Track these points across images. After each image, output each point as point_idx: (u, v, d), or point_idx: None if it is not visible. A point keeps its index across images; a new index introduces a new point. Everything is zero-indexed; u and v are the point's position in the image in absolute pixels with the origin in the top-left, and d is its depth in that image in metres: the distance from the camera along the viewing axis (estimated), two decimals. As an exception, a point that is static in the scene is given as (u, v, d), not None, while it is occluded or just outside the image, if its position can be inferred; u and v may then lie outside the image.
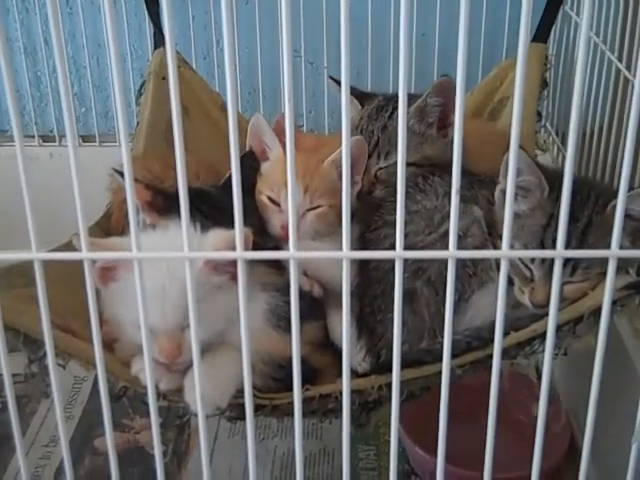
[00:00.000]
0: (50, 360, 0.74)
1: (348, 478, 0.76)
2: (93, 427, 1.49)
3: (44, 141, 1.87)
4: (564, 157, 1.60)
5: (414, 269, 1.00)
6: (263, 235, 1.11)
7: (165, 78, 1.48)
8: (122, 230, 1.16)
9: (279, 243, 1.12)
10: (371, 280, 1.03)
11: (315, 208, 1.12)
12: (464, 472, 1.24)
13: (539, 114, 1.48)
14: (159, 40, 1.54)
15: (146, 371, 0.77)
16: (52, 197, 1.41)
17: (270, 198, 1.13)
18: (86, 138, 1.84)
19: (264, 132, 1.18)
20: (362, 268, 1.05)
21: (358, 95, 1.28)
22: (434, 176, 1.05)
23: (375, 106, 1.23)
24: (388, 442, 1.47)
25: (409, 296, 0.99)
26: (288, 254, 0.68)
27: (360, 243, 1.06)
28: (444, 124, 1.17)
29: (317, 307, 1.09)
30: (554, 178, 0.93)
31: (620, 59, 1.35)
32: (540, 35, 1.51)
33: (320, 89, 1.79)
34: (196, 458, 1.43)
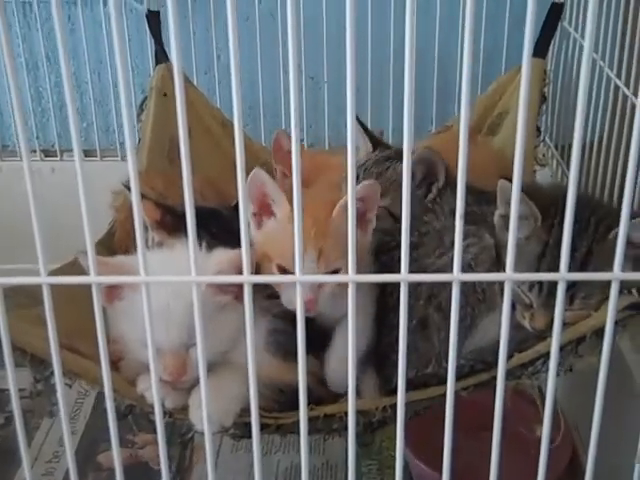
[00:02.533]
0: (58, 383, 0.75)
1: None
2: (96, 443, 1.50)
3: (46, 156, 1.88)
4: (563, 171, 1.61)
5: (427, 295, 1.01)
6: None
7: (167, 95, 1.49)
8: (126, 248, 1.17)
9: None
10: (387, 307, 1.03)
11: (332, 273, 1.00)
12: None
13: (538, 129, 1.49)
14: (160, 56, 1.55)
15: (153, 389, 0.78)
16: (54, 212, 1.42)
17: (281, 267, 1.01)
18: (87, 153, 1.84)
19: (268, 186, 1.03)
20: (379, 296, 1.05)
21: (373, 138, 1.31)
22: (441, 194, 1.06)
23: (386, 155, 1.25)
24: (391, 457, 1.49)
25: (422, 323, 1.01)
26: (295, 278, 0.69)
27: (375, 268, 1.06)
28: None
29: (318, 341, 1.06)
30: (549, 204, 0.93)
31: (619, 76, 1.36)
32: (539, 50, 1.52)
33: (320, 103, 1.80)
34: (199, 473, 1.44)
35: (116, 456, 0.77)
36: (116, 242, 1.22)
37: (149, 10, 1.58)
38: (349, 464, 0.79)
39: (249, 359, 0.71)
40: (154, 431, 0.77)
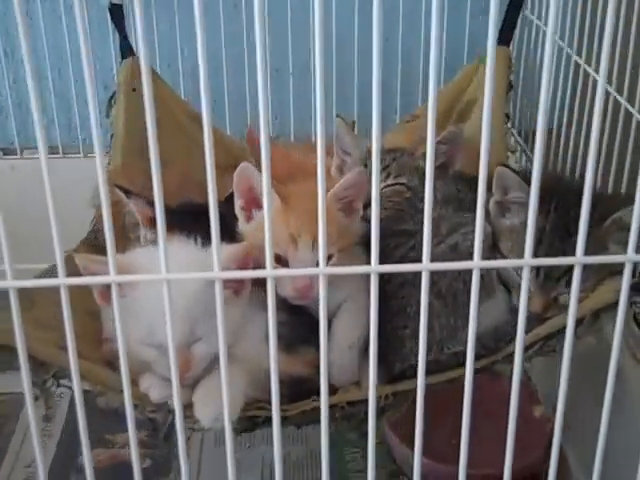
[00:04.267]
0: (75, 386, 0.74)
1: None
2: (76, 444, 1.48)
3: (4, 154, 1.84)
4: (528, 157, 1.65)
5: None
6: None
7: (135, 89, 1.47)
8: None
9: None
10: (385, 295, 1.04)
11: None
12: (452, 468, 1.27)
13: (507, 116, 1.52)
14: (125, 49, 1.53)
15: (173, 392, 0.77)
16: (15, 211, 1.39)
17: (277, 256, 1.02)
18: (49, 150, 1.80)
19: (255, 179, 1.06)
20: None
21: None
22: (435, 180, 1.07)
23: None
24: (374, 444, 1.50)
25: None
26: (317, 270, 0.69)
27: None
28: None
29: (319, 334, 1.07)
30: (545, 191, 0.95)
31: (579, 54, 1.40)
32: (503, 39, 1.55)
33: (286, 96, 1.80)
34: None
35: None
36: (101, 240, 1.20)
37: (112, 3, 1.56)
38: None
39: (271, 353, 0.71)
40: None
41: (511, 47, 1.63)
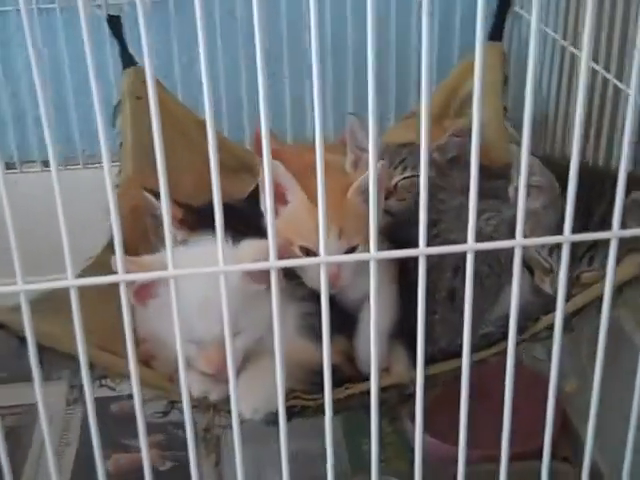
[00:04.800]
0: (87, 389, 0.76)
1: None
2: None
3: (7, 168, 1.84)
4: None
5: (453, 268, 1.05)
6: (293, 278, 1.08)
7: (140, 98, 1.49)
8: (135, 251, 1.17)
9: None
10: (410, 282, 1.07)
11: (352, 250, 1.07)
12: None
13: (505, 109, 1.56)
14: (126, 59, 1.55)
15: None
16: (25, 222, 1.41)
17: (305, 248, 1.07)
18: (47, 163, 1.81)
19: (280, 176, 1.08)
20: (401, 272, 1.09)
21: None
22: (451, 172, 1.11)
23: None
24: (388, 434, 1.52)
25: (450, 295, 1.05)
26: (319, 259, 0.71)
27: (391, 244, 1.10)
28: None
29: (348, 323, 1.10)
30: (566, 173, 0.99)
31: (565, 37, 1.46)
32: (495, 34, 1.59)
33: (281, 98, 1.82)
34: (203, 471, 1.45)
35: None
36: (128, 243, 1.22)
37: (109, 15, 1.58)
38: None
39: (276, 343, 0.74)
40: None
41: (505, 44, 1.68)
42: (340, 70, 1.79)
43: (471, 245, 0.71)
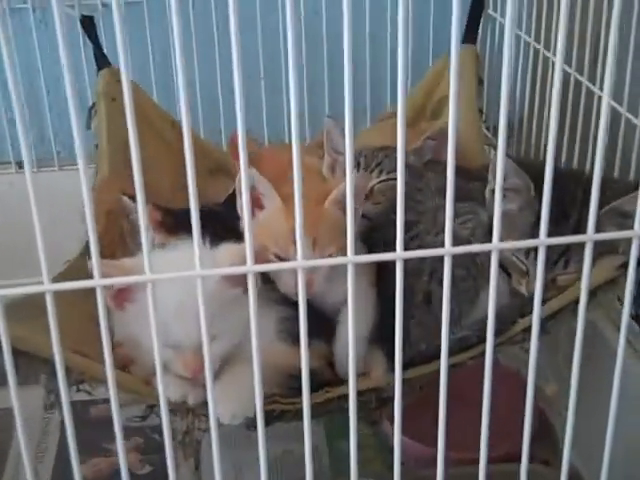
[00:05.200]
0: (63, 394, 0.75)
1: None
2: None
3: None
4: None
5: (430, 271, 1.05)
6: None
7: (115, 99, 1.48)
8: (112, 255, 1.16)
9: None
10: (388, 286, 1.07)
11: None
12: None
13: (480, 111, 1.57)
14: (101, 60, 1.53)
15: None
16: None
17: (277, 256, 1.07)
18: (21, 164, 1.80)
19: (256, 181, 1.09)
20: (380, 275, 1.09)
21: None
22: (426, 173, 1.11)
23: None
24: (367, 436, 1.53)
25: (427, 298, 1.05)
26: (296, 264, 0.71)
27: (369, 248, 1.11)
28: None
29: (327, 327, 1.11)
30: (540, 176, 1.00)
31: (537, 39, 1.47)
32: (468, 37, 1.60)
33: (257, 99, 1.82)
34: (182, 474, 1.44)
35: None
36: (105, 247, 1.21)
37: (83, 15, 1.56)
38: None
39: (253, 347, 0.74)
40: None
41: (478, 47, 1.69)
42: (316, 70, 1.80)
43: (448, 249, 0.71)
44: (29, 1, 1.71)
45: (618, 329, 1.20)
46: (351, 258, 0.70)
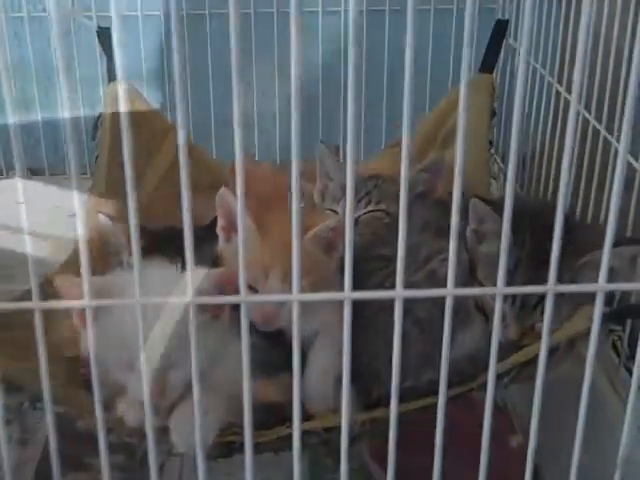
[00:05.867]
0: (48, 409, 0.74)
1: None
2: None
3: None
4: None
5: (405, 309, 1.01)
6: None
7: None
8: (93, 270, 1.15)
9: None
10: (363, 323, 1.04)
11: None
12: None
13: (491, 143, 1.53)
14: (112, 72, 1.54)
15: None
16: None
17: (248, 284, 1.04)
18: (35, 171, 1.81)
19: (232, 205, 1.06)
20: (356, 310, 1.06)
21: None
22: (413, 207, 1.08)
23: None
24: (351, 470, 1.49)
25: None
26: (292, 297, 0.69)
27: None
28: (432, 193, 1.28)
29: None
30: (520, 220, 0.96)
31: (560, 82, 1.42)
32: (486, 66, 1.57)
33: (249, 112, 1.80)
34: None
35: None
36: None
37: (99, 26, 1.57)
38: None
39: (244, 378, 0.71)
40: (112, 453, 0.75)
41: (496, 75, 1.66)
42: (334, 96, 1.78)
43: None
44: (24, 10, 1.72)
45: (609, 377, 1.16)
46: (348, 294, 0.68)
